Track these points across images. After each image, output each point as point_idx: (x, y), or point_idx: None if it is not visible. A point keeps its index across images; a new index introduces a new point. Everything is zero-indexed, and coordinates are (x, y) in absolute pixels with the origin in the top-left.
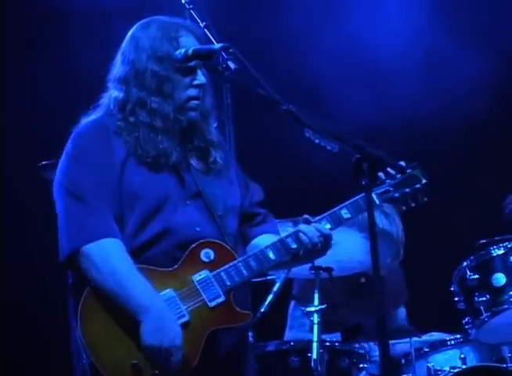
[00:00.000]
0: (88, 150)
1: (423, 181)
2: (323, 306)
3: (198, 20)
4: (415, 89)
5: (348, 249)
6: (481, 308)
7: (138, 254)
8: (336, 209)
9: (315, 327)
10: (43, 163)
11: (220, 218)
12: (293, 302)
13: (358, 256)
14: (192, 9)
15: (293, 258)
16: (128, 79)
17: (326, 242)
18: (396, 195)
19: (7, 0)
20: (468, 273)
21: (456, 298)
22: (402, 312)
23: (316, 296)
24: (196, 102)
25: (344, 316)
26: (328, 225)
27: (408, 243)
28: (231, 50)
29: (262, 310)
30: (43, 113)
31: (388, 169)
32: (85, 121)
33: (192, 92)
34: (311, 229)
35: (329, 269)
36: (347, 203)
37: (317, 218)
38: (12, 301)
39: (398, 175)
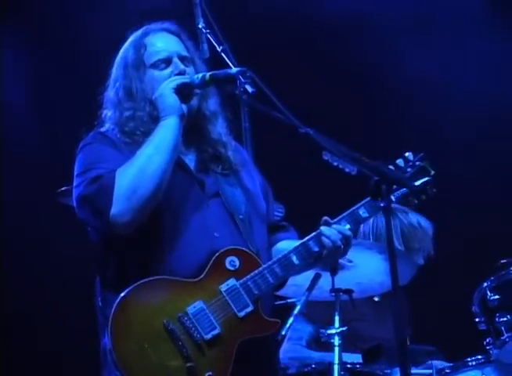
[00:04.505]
0: (99, 155)
1: (432, 172)
2: (344, 328)
3: (215, 45)
4: None
5: (368, 271)
6: (503, 328)
7: (159, 262)
8: (353, 209)
9: (336, 349)
10: (62, 189)
11: (241, 221)
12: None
13: (378, 277)
14: (209, 33)
15: (315, 260)
16: (112, 97)
17: (347, 243)
18: (409, 190)
19: None
20: (489, 294)
21: (477, 319)
22: None
23: (337, 318)
24: None
25: (360, 329)
26: (348, 226)
27: (428, 263)
28: (248, 74)
29: (283, 333)
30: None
31: (397, 162)
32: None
33: None
34: (333, 231)
35: (349, 291)
36: (363, 202)
37: (336, 219)
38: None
39: (409, 169)
